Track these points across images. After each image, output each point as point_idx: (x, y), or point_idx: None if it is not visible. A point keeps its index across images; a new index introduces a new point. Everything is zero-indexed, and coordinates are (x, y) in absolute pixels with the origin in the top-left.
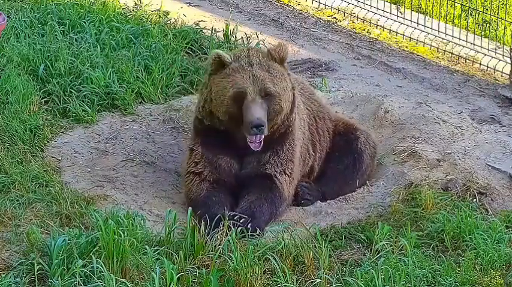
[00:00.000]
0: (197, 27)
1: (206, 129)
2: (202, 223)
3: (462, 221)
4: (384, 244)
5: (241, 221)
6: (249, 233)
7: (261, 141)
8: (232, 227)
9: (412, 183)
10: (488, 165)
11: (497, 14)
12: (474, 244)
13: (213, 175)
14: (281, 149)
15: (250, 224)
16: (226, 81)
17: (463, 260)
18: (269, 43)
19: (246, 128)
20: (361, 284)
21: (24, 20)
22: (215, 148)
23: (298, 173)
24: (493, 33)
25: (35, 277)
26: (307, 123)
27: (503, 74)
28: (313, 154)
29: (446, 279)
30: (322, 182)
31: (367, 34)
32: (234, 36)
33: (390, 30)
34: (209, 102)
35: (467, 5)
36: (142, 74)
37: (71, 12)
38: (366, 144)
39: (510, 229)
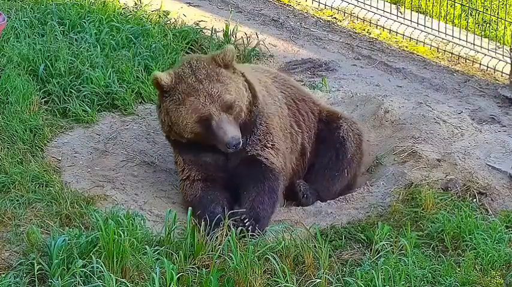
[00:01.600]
0: (197, 27)
1: (178, 141)
2: (203, 223)
3: (462, 221)
4: (383, 244)
5: (246, 224)
6: (254, 234)
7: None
8: (232, 227)
9: (412, 183)
10: (488, 165)
11: (497, 14)
12: (474, 244)
13: (201, 173)
14: (255, 127)
15: (256, 228)
16: (183, 108)
17: (463, 260)
18: (269, 43)
19: (222, 146)
20: (361, 284)
21: (24, 20)
22: (194, 151)
23: (285, 144)
24: (493, 33)
25: (35, 277)
26: (284, 103)
27: (503, 74)
28: (299, 130)
29: (446, 279)
30: (312, 180)
31: (367, 34)
32: (234, 36)
33: (390, 30)
34: (170, 125)
35: (467, 5)
36: (142, 74)
37: (71, 12)
38: (349, 131)
39: (510, 229)
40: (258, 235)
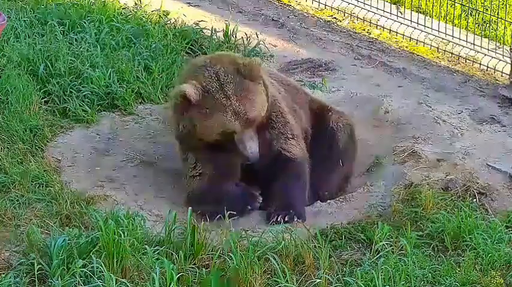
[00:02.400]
0: (197, 27)
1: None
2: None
3: (462, 221)
4: (383, 244)
5: (284, 218)
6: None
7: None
8: (268, 221)
9: (412, 183)
10: (488, 165)
11: (497, 14)
12: (474, 244)
13: (215, 169)
14: (271, 120)
15: (294, 216)
16: (210, 121)
17: (463, 260)
18: (269, 43)
19: (241, 157)
20: (361, 284)
21: (24, 20)
22: (212, 149)
23: (297, 123)
24: (493, 33)
25: (35, 277)
26: (275, 82)
27: (503, 74)
28: (298, 107)
29: (446, 279)
30: (310, 176)
31: (367, 34)
32: (234, 36)
33: (390, 30)
34: (190, 132)
35: (467, 5)
36: (142, 74)
37: (71, 12)
38: (339, 122)
39: (510, 229)
40: (299, 222)
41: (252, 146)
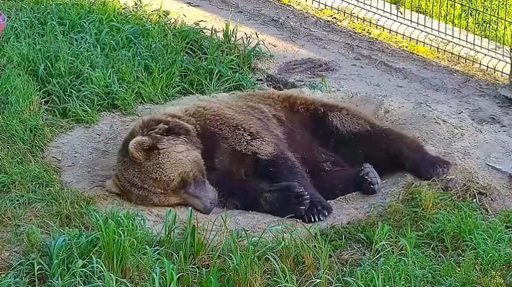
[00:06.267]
0: (197, 27)
1: None
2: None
3: (462, 221)
4: (384, 244)
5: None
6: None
7: None
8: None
9: (412, 183)
10: (488, 165)
11: (497, 14)
12: (474, 244)
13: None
14: (218, 137)
15: (322, 210)
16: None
17: (463, 260)
18: (269, 43)
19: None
20: (361, 284)
21: (24, 20)
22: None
23: (257, 119)
24: (493, 33)
25: (35, 277)
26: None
27: (503, 74)
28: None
29: (446, 279)
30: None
31: (367, 34)
32: (234, 36)
33: (390, 30)
34: None
35: (467, 5)
36: (142, 74)
37: (71, 12)
38: (337, 117)
39: (510, 229)
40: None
41: (196, 204)
